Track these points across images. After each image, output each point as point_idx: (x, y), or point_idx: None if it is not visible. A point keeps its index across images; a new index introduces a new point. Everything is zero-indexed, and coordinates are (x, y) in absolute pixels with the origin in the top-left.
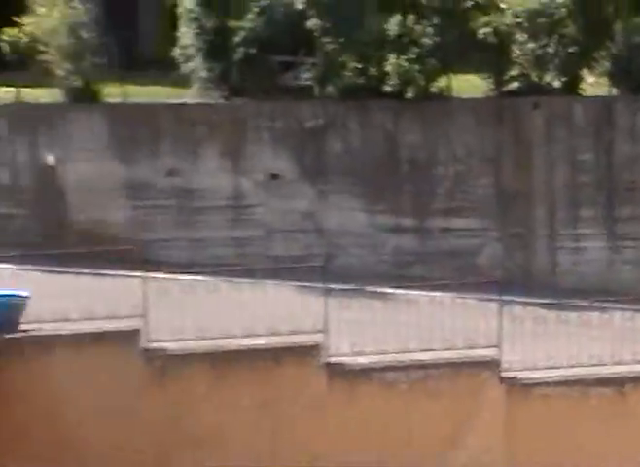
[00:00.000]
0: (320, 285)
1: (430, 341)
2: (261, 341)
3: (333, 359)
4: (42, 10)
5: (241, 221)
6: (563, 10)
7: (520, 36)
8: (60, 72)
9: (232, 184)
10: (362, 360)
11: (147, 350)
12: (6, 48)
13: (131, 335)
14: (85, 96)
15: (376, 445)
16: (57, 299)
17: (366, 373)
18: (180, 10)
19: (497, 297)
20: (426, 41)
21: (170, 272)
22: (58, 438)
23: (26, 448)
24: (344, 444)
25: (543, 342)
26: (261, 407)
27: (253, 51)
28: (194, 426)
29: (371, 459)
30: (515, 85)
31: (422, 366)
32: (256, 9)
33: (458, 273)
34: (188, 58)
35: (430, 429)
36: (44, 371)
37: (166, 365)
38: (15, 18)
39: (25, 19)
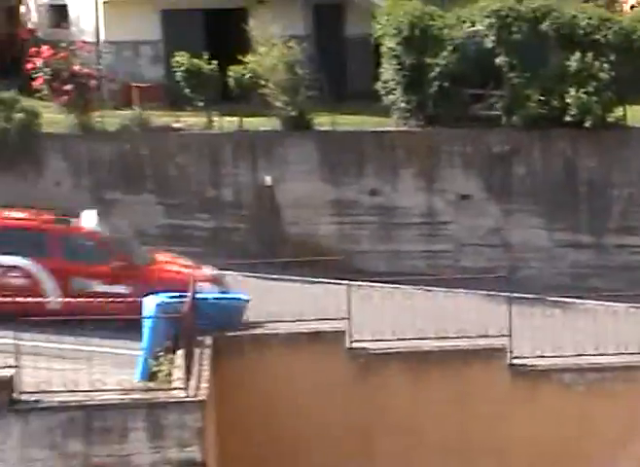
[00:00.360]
0: (504, 294)
1: (605, 346)
2: (451, 343)
3: (516, 361)
4: (263, 49)
5: (434, 236)
6: None
7: None
8: (278, 104)
9: (427, 203)
10: (542, 362)
11: (351, 349)
12: (231, 82)
13: (338, 335)
14: (299, 125)
15: (554, 441)
16: (273, 302)
17: (546, 374)
18: (383, 49)
19: None
20: (603, 75)
21: (371, 280)
22: (271, 429)
23: (242, 438)
24: (525, 438)
25: None
26: (450, 402)
27: (447, 84)
28: (392, 416)
29: (548, 454)
30: None
31: (598, 369)
32: (450, 47)
33: (631, 286)
34: (389, 91)
35: (604, 429)
36: (260, 367)
37: (368, 362)
38: (239, 57)
39: (249, 58)
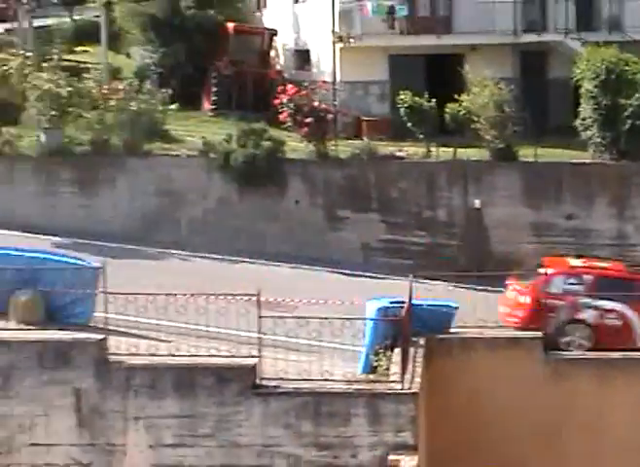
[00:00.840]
0: None
1: None
2: (636, 353)
3: None
4: (476, 90)
5: (623, 256)
6: None
7: None
8: (488, 137)
9: (617, 227)
10: None
11: (546, 355)
12: (448, 118)
13: (534, 341)
14: (506, 156)
15: None
16: (479, 310)
17: None
18: (582, 90)
19: None
20: None
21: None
22: (473, 422)
23: (447, 428)
24: None
25: None
26: (634, 405)
27: (638, 123)
28: (580, 417)
29: None
30: None
31: None
32: None
33: None
34: (586, 128)
35: None
36: (466, 367)
37: (559, 367)
38: (455, 96)
39: (463, 97)
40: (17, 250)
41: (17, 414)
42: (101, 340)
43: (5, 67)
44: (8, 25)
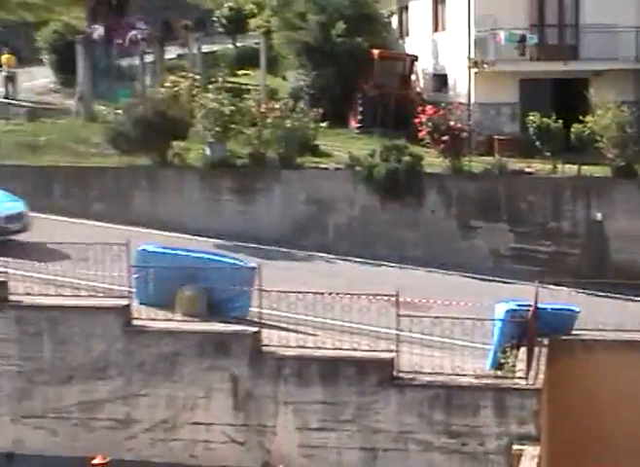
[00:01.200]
0: None
1: None
2: None
3: None
4: (599, 112)
5: None
6: None
7: None
8: (610, 155)
9: None
10: None
11: None
12: (573, 137)
13: None
14: (627, 173)
15: None
16: (599, 315)
17: None
18: None
19: None
20: None
21: None
22: (591, 419)
23: (567, 422)
24: None
25: None
26: None
27: None
28: None
29: None
30: None
31: None
32: None
33: None
34: None
35: None
36: (586, 366)
37: None
38: (580, 117)
39: (587, 118)
40: (184, 250)
41: (181, 396)
42: (256, 332)
43: (176, 88)
44: (180, 51)
